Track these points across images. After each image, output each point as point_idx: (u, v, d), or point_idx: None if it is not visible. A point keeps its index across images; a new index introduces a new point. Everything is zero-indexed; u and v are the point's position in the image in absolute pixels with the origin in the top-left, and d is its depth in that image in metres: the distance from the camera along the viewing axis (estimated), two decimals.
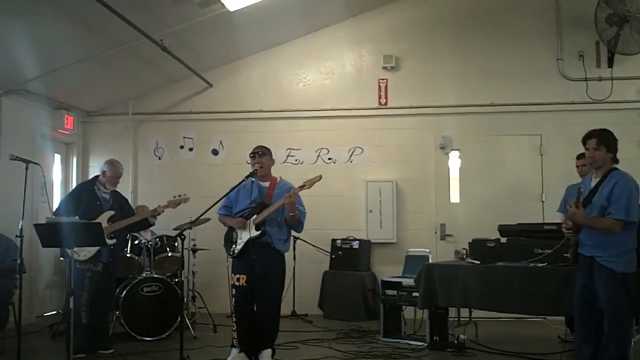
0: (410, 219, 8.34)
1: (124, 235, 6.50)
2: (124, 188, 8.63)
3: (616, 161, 4.57)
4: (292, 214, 5.32)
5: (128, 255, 6.96)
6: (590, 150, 4.55)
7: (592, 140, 4.55)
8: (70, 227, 5.04)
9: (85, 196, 6.07)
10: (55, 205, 6.50)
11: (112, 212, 6.06)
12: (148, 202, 7.78)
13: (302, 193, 5.40)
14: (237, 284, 5.39)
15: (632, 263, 4.46)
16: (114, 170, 6.23)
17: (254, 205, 5.42)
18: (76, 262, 5.71)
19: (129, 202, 6.82)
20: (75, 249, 5.63)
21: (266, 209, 5.35)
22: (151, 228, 7.67)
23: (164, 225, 7.84)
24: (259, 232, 5.33)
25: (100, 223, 5.47)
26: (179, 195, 6.18)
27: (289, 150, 8.62)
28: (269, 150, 5.61)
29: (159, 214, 6.22)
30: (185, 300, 7.26)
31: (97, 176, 6.31)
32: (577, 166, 6.39)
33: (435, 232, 8.25)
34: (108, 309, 6.28)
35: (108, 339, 6.20)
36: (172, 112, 8.92)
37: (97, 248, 5.81)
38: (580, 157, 6.28)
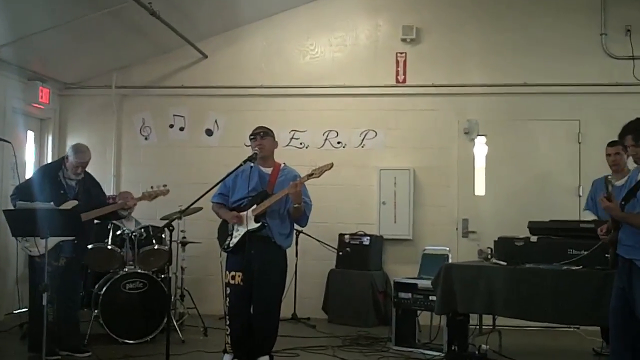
0: (428, 212, 8.36)
1: (90, 229, 6.41)
2: (106, 171, 8.72)
3: None
4: (296, 205, 5.33)
5: (109, 247, 6.99)
6: (630, 148, 4.54)
7: (628, 137, 4.54)
8: (46, 215, 5.06)
9: (47, 182, 5.94)
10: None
11: (74, 202, 5.91)
12: (132, 187, 7.79)
13: (308, 182, 5.40)
14: (231, 282, 5.41)
15: None
16: (76, 157, 6.03)
17: (253, 194, 5.43)
18: (35, 256, 5.65)
19: (110, 187, 6.78)
20: (26, 244, 5.61)
21: (268, 198, 5.36)
22: (136, 217, 7.74)
23: (150, 215, 7.86)
24: (258, 225, 5.34)
25: (77, 210, 5.51)
26: (157, 187, 6.15)
27: (292, 132, 8.64)
28: (271, 131, 5.62)
29: (130, 208, 6.17)
30: (172, 299, 7.29)
31: (63, 158, 6.17)
32: (609, 155, 6.21)
33: (457, 229, 8.27)
34: (75, 307, 6.26)
35: (83, 341, 6.23)
36: (161, 86, 8.92)
37: (55, 242, 5.72)
38: (613, 144, 6.10)
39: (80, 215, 5.40)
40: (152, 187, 6.15)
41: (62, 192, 5.97)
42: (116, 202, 6.30)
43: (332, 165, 5.30)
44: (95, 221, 6.39)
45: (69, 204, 5.86)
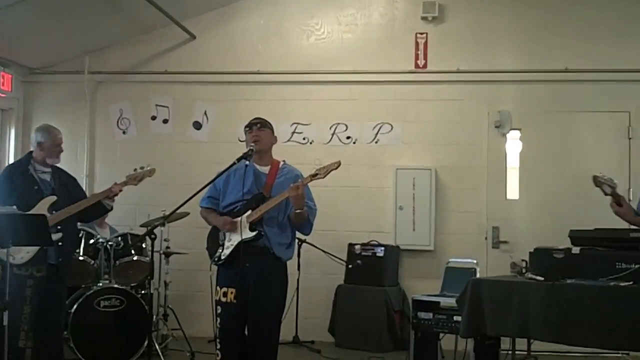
0: (452, 219, 8.40)
1: (76, 229, 6.39)
2: (77, 171, 8.60)
3: None
4: (298, 210, 5.31)
5: (81, 258, 7.02)
6: None
7: None
8: (6, 221, 5.06)
9: (18, 180, 5.90)
10: None
11: (54, 198, 5.89)
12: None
13: (312, 183, 5.41)
14: (223, 300, 5.39)
15: None
16: (51, 137, 6.00)
17: (248, 198, 5.41)
18: (13, 266, 5.54)
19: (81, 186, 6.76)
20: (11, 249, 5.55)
21: (265, 202, 5.35)
22: (112, 224, 7.79)
23: (128, 221, 7.92)
24: (254, 234, 5.32)
25: (43, 215, 5.51)
26: (141, 168, 6.11)
27: (295, 126, 8.70)
28: (269, 123, 5.62)
29: (116, 195, 6.08)
30: (154, 319, 7.30)
31: (30, 152, 6.11)
32: None
33: (486, 238, 8.31)
34: (58, 328, 6.12)
35: None
36: (142, 72, 8.97)
37: (38, 247, 5.72)
38: None
39: (45, 218, 5.40)
40: (135, 170, 6.10)
41: (36, 187, 5.90)
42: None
43: (339, 164, 5.30)
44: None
45: (47, 201, 5.84)
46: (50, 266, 5.84)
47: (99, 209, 6.14)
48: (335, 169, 5.29)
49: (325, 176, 5.28)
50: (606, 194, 4.82)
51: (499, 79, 8.39)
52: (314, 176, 5.27)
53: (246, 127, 5.56)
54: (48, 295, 5.83)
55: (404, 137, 8.58)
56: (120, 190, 6.08)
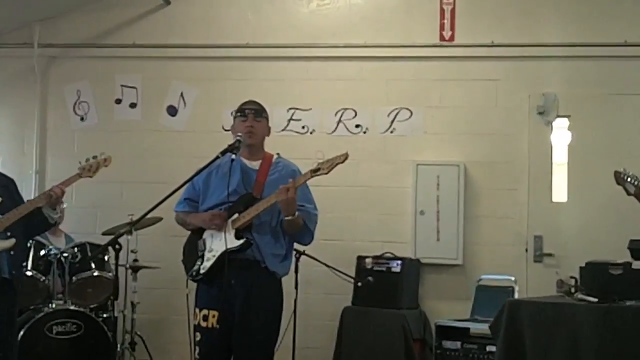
0: (485, 226, 8.36)
1: (24, 237, 6.32)
2: (24, 167, 8.82)
3: None
4: (288, 217, 5.35)
5: (29, 273, 7.03)
6: None
7: None
8: None
9: None
10: None
11: None
12: None
13: (314, 182, 5.42)
14: (203, 324, 5.42)
15: None
16: None
17: (235, 199, 5.44)
18: None
19: (30, 188, 6.90)
20: None
21: (254, 205, 5.38)
22: (67, 232, 7.89)
23: (87, 227, 7.95)
24: (241, 242, 5.35)
25: None
26: (93, 157, 6.11)
27: (292, 111, 8.68)
28: (266, 111, 5.67)
29: (57, 200, 5.95)
30: (119, 349, 7.36)
31: None
32: None
33: (526, 250, 8.26)
34: (9, 352, 6.04)
35: None
36: (105, 45, 8.94)
37: None
38: None
39: None
40: (87, 160, 6.10)
41: None
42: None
43: (346, 156, 5.31)
44: None
45: None
46: (3, 281, 5.82)
47: (41, 222, 6.01)
48: (342, 162, 5.31)
49: (329, 172, 5.30)
50: (629, 194, 4.94)
51: (543, 55, 8.33)
52: (315, 172, 5.30)
53: (237, 112, 5.59)
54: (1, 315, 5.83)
55: (426, 126, 8.53)
56: (63, 193, 5.94)
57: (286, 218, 5.34)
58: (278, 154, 5.70)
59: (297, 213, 5.35)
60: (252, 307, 5.37)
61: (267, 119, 5.65)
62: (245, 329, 5.36)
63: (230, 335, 5.37)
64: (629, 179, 5.39)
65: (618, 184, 5.59)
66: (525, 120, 8.38)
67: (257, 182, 5.50)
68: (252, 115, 5.52)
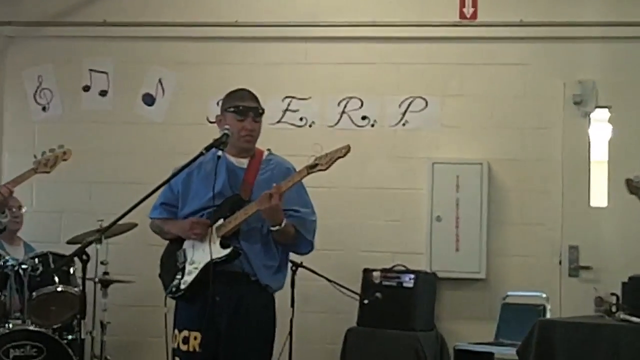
0: (513, 235, 8.35)
1: None
2: None
3: None
4: (274, 228, 5.30)
5: None
6: None
7: None
8: None
9: None
10: None
11: None
12: (21, 192, 7.62)
13: (312, 181, 5.35)
14: (183, 348, 5.37)
15: None
16: None
17: (220, 202, 5.39)
18: None
19: None
20: None
21: (242, 208, 5.32)
22: (27, 240, 7.95)
23: (49, 235, 7.95)
24: (227, 252, 5.29)
25: None
26: (50, 150, 6.16)
27: (288, 101, 8.67)
28: (261, 106, 5.61)
29: (5, 197, 6.13)
30: None
31: None
32: None
33: (560, 262, 8.24)
34: None
35: None
36: (70, 23, 8.93)
37: None
38: None
39: None
40: (43, 153, 6.16)
41: None
42: None
43: (348, 149, 5.23)
44: None
45: None
46: None
47: None
48: (343, 156, 5.23)
49: (327, 167, 5.24)
50: None
51: (580, 35, 8.33)
52: (311, 168, 5.23)
53: (231, 107, 5.50)
54: None
55: (444, 118, 8.52)
56: (10, 193, 6.13)
57: (272, 229, 5.30)
58: (269, 149, 5.66)
59: (284, 222, 5.29)
60: (241, 328, 5.33)
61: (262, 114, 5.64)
62: (232, 354, 5.33)
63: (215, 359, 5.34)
64: None
65: (631, 193, 5.72)
66: (559, 111, 8.38)
67: (245, 182, 5.46)
68: (252, 116, 5.45)
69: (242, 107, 5.44)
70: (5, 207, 6.14)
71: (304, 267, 7.61)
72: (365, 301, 7.97)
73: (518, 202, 8.36)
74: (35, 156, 6.14)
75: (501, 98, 8.46)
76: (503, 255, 8.30)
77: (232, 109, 5.46)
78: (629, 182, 5.52)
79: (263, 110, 5.54)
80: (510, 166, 8.39)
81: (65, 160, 6.28)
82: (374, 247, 8.39)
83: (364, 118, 8.59)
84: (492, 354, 6.68)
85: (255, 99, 5.54)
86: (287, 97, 8.64)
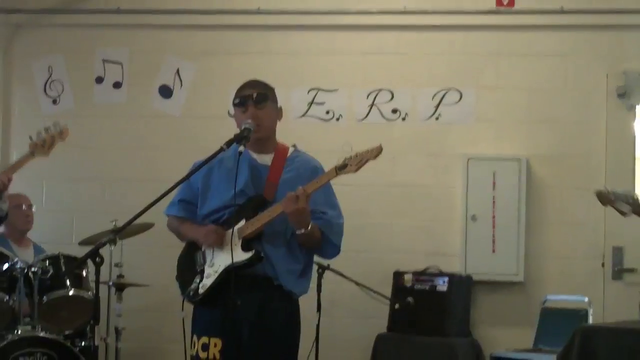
0: (553, 235, 8.30)
1: None
2: None
3: None
4: (300, 231, 5.21)
5: None
6: None
7: None
8: None
9: None
10: None
11: None
12: (30, 189, 7.78)
13: (339, 179, 5.21)
14: (202, 355, 5.31)
15: None
16: None
17: (243, 202, 5.30)
18: None
19: None
20: None
21: (266, 210, 5.24)
22: (36, 241, 8.03)
23: (61, 236, 8.20)
24: (249, 256, 5.20)
25: None
26: (46, 130, 6.16)
27: (314, 93, 8.60)
28: (272, 91, 5.49)
29: (6, 185, 6.08)
30: None
31: None
32: None
33: (603, 265, 8.18)
34: None
35: None
36: (82, 10, 8.86)
37: None
38: None
39: None
40: (38, 134, 6.16)
41: None
42: None
43: (380, 150, 5.08)
44: None
45: None
46: None
47: None
48: (374, 158, 5.13)
49: (358, 169, 5.15)
50: (625, 215, 5.39)
51: (625, 23, 8.29)
52: (341, 169, 5.14)
53: (235, 100, 5.45)
54: None
55: (479, 111, 8.47)
56: (9, 180, 6.07)
57: (298, 232, 5.24)
58: (294, 145, 5.54)
59: (311, 225, 5.23)
60: (263, 334, 5.25)
61: (274, 101, 5.50)
62: None
63: None
64: (617, 197, 5.56)
65: (604, 205, 5.72)
66: (601, 104, 8.35)
67: (268, 181, 5.38)
68: (252, 101, 5.35)
69: (240, 97, 5.40)
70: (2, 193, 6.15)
71: (331, 269, 7.59)
72: (396, 306, 8.00)
73: (558, 201, 8.34)
74: (30, 138, 6.12)
75: (540, 90, 8.44)
76: (542, 257, 8.26)
77: (234, 101, 5.45)
78: (600, 195, 5.53)
79: (266, 93, 5.42)
80: (549, 162, 8.36)
81: (62, 140, 6.23)
82: (406, 248, 8.37)
83: (394, 111, 8.57)
84: None
85: (255, 85, 5.48)
86: (312, 89, 8.63)
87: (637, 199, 5.58)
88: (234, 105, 5.44)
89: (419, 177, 8.42)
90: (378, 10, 8.54)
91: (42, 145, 6.12)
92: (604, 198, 5.54)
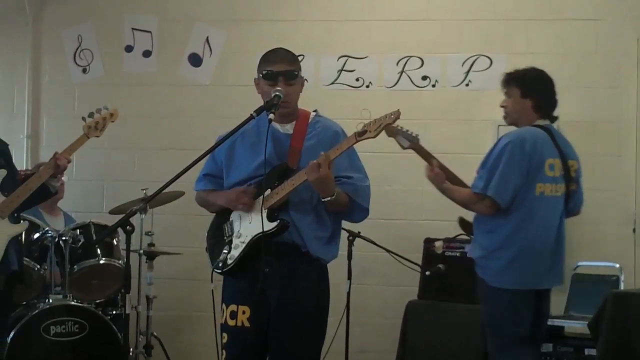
0: (583, 202, 8.27)
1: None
2: (13, 130, 8.89)
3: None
4: (325, 198, 5.29)
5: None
6: None
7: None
8: None
9: None
10: None
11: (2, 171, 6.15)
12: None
13: (369, 147, 5.42)
14: (231, 323, 5.42)
15: None
16: None
17: (268, 172, 5.36)
18: None
19: (21, 156, 7.31)
20: None
21: (290, 178, 5.34)
22: (66, 210, 8.03)
23: (91, 205, 8.14)
24: (275, 225, 5.31)
25: None
26: (97, 111, 6.29)
27: (343, 60, 8.72)
28: (299, 64, 5.56)
29: (64, 168, 6.22)
30: (131, 353, 7.46)
31: None
32: None
33: (634, 230, 8.31)
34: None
35: None
36: None
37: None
38: None
39: None
40: (91, 115, 6.29)
41: None
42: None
43: (398, 114, 5.17)
44: None
45: None
46: (13, 275, 6.10)
47: (41, 193, 6.22)
48: (391, 123, 5.24)
49: (376, 135, 5.19)
50: (404, 148, 5.69)
51: None
52: (361, 135, 5.18)
53: (262, 72, 5.46)
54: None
55: None
56: (68, 162, 6.22)
57: (323, 199, 5.28)
58: (316, 110, 5.60)
59: (336, 191, 5.27)
60: (292, 302, 5.35)
61: (300, 75, 5.49)
62: (283, 329, 5.35)
63: (265, 336, 5.37)
64: (399, 132, 5.92)
65: (389, 136, 6.15)
66: (633, 69, 8.44)
67: (292, 148, 5.44)
68: (283, 80, 5.36)
69: (270, 71, 5.36)
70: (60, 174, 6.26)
71: (361, 237, 7.69)
72: (427, 273, 8.06)
73: (589, 166, 7.93)
74: (84, 119, 6.24)
75: (571, 55, 8.49)
76: (573, 223, 7.93)
77: (261, 74, 5.42)
78: (387, 126, 5.44)
79: (298, 71, 5.41)
80: (580, 128, 8.27)
81: (112, 122, 6.40)
82: (436, 215, 8.38)
83: (424, 78, 8.67)
84: (562, 327, 6.68)
85: (287, 60, 5.42)
86: (342, 56, 8.68)
87: (419, 139, 6.03)
88: (263, 76, 5.39)
89: (449, 144, 8.30)
90: None
91: (95, 128, 6.28)
92: (390, 130, 5.83)
